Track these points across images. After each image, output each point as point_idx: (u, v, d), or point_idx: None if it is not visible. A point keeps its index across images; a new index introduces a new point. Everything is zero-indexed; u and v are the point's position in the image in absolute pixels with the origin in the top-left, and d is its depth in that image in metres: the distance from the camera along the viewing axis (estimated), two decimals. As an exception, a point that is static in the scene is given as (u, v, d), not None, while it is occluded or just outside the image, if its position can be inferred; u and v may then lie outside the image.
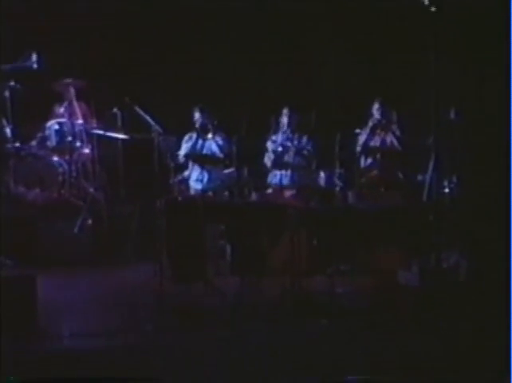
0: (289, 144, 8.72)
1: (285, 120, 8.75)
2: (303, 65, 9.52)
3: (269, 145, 8.76)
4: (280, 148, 8.72)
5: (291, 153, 8.68)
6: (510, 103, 5.99)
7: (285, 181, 8.57)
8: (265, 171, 8.71)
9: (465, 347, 5.54)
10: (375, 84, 9.26)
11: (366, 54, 9.48)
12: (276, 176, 8.67)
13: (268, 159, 8.73)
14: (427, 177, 7.50)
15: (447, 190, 7.76)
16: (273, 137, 8.79)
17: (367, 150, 8.72)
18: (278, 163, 8.67)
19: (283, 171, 8.62)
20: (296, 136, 8.77)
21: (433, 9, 6.88)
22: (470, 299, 6.33)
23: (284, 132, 8.77)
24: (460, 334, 5.82)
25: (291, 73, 9.50)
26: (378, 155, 8.64)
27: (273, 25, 9.48)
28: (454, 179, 7.79)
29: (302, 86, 9.40)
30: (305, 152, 8.68)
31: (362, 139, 8.74)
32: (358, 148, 8.69)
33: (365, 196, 8.20)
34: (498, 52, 6.15)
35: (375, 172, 8.57)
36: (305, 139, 8.76)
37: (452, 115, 7.52)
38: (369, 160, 8.71)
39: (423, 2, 6.71)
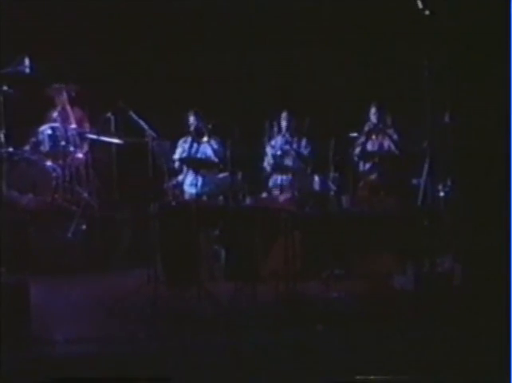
0: (288, 147, 8.70)
1: (284, 123, 8.73)
2: (299, 69, 9.51)
3: (268, 150, 8.74)
4: (279, 152, 8.70)
5: (291, 157, 8.67)
6: (506, 106, 5.98)
7: (285, 185, 8.53)
8: (262, 176, 8.68)
9: (460, 351, 5.53)
10: (370, 89, 9.25)
11: (362, 58, 9.47)
12: (276, 181, 8.65)
13: (267, 164, 8.71)
14: (422, 181, 7.49)
15: (441, 194, 7.74)
16: (272, 141, 8.77)
17: (365, 154, 8.69)
18: (278, 168, 8.64)
19: (283, 176, 8.60)
20: (295, 139, 8.75)
21: (427, 13, 6.88)
22: (464, 303, 6.32)
23: (283, 136, 8.75)
24: (455, 338, 5.80)
25: (286, 77, 9.49)
26: (376, 160, 8.62)
27: (269, 29, 9.46)
28: (449, 183, 7.77)
29: (297, 91, 9.39)
30: (304, 156, 8.65)
31: (360, 143, 8.71)
32: (356, 153, 8.67)
33: (362, 201, 8.18)
34: (493, 55, 6.15)
35: (373, 177, 8.56)
36: (304, 142, 8.74)
37: (447, 119, 7.50)
38: (368, 165, 8.68)
39: (418, 6, 6.72)
